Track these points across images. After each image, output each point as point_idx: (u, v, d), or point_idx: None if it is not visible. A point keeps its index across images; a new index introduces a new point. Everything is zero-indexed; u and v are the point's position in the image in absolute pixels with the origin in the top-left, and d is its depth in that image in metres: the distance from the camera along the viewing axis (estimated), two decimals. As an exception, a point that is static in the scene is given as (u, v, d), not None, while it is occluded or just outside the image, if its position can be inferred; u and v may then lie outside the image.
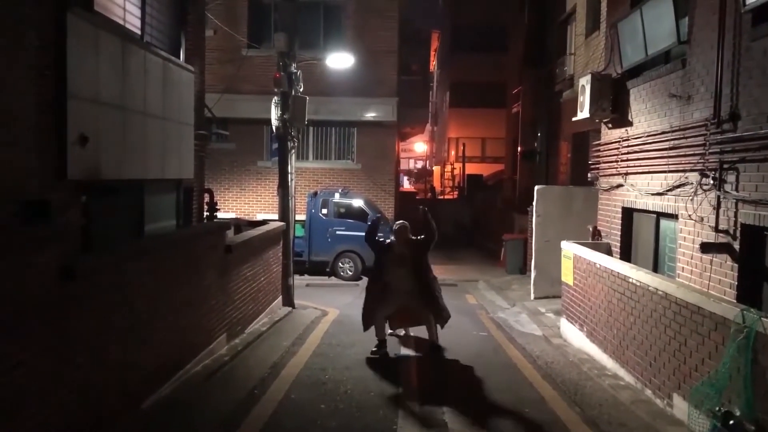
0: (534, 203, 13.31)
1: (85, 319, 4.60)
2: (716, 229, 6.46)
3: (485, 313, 11.78)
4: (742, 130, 6.10)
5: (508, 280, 15.49)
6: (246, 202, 18.94)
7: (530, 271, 13.28)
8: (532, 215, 13.66)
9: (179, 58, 8.54)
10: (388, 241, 8.54)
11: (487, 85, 31.77)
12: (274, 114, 11.82)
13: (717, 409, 4.78)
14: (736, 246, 6.15)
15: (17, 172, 4.79)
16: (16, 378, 3.80)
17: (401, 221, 8.63)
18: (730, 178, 6.26)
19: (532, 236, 13.68)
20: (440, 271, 16.82)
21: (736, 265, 6.14)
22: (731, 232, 6.24)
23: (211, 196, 11.18)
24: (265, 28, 18.18)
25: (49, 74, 5.17)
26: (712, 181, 6.54)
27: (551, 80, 18.16)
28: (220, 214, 12.25)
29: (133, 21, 7.13)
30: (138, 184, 7.20)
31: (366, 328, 8.34)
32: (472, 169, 33.01)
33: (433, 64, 42.96)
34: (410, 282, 8.15)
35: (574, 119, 10.67)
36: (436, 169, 41.20)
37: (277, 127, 11.93)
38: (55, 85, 5.24)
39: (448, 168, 36.51)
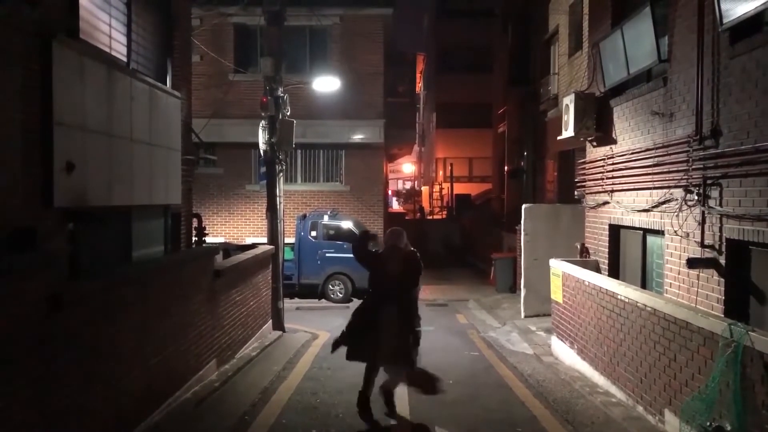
0: (522, 222, 13.37)
1: (72, 347, 4.55)
2: (702, 245, 6.52)
3: (476, 333, 11.76)
4: (723, 146, 6.19)
5: (498, 298, 15.49)
6: (235, 226, 18.89)
7: (520, 289, 13.29)
8: (520, 234, 13.71)
9: (166, 84, 8.57)
10: (377, 250, 7.19)
11: (473, 105, 32.07)
12: (262, 138, 11.86)
13: (708, 424, 4.79)
14: (722, 261, 6.20)
15: (3, 200, 4.77)
16: (3, 409, 3.75)
17: (396, 227, 7.18)
18: (714, 193, 6.33)
19: (520, 255, 13.72)
20: (430, 291, 16.88)
21: (722, 279, 6.19)
22: (717, 247, 6.30)
23: (200, 221, 11.14)
24: (251, 53, 18.31)
25: (35, 102, 5.18)
26: (696, 197, 6.61)
27: (536, 99, 18.34)
28: (209, 239, 12.20)
29: (119, 48, 7.15)
30: (125, 210, 7.18)
31: (334, 349, 6.79)
32: (460, 188, 33.17)
33: (420, 85, 43.25)
34: (394, 311, 6.51)
35: (559, 138, 10.77)
36: (425, 189, 41.33)
37: (264, 151, 11.97)
38: (41, 112, 5.24)
39: (437, 188, 36.65)
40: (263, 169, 13.40)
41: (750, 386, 4.53)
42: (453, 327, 12.44)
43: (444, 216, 33.79)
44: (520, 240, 13.84)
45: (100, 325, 5.02)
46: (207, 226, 12.19)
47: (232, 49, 18.34)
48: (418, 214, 34.15)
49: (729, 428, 4.59)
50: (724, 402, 4.75)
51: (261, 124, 11.84)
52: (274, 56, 11.82)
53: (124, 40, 7.31)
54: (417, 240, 26.17)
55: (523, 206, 13.59)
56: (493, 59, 27.77)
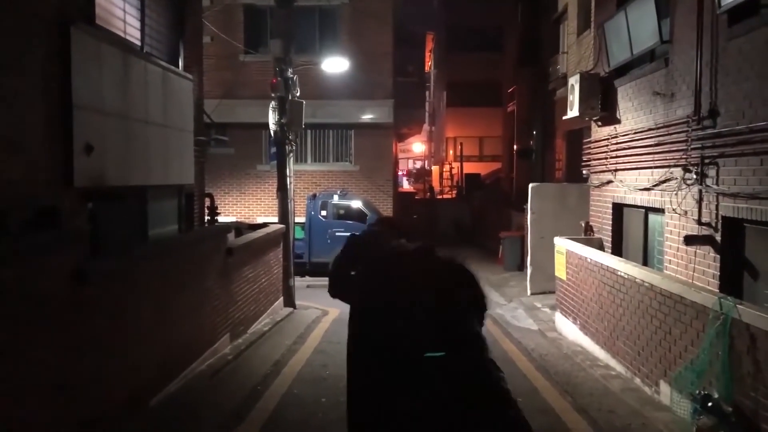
0: (529, 200, 13.53)
1: (96, 320, 4.83)
2: (699, 222, 6.69)
3: (483, 310, 11.98)
4: (721, 126, 6.34)
5: (505, 276, 15.71)
6: (246, 206, 19.17)
7: (527, 267, 13.50)
8: (527, 212, 13.87)
9: (178, 67, 8.77)
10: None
11: (483, 84, 32.00)
12: (272, 118, 12.04)
13: (697, 392, 5.01)
14: (718, 238, 6.38)
15: (27, 181, 5.03)
16: (32, 377, 4.03)
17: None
18: (711, 172, 6.49)
19: (528, 233, 13.90)
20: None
21: (718, 255, 6.37)
22: (713, 224, 6.47)
23: (212, 201, 11.39)
24: (261, 34, 18.43)
25: (55, 86, 5.41)
26: (694, 176, 6.77)
27: (545, 79, 18.38)
28: (220, 218, 12.47)
29: (133, 32, 7.36)
30: (141, 190, 7.44)
31: None
32: (470, 168, 33.20)
33: (429, 64, 43.13)
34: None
35: (565, 117, 10.90)
36: (435, 168, 41.40)
37: (275, 132, 12.16)
38: (61, 96, 5.48)
39: (447, 167, 36.72)
40: (273, 150, 13.64)
41: (737, 356, 4.74)
42: (460, 304, 12.68)
43: (454, 196, 33.89)
44: (527, 219, 14.01)
45: (122, 300, 5.31)
46: (219, 206, 12.44)
47: (242, 30, 18.47)
48: (428, 194, 34.27)
49: (716, 396, 4.82)
50: (713, 372, 4.98)
51: (271, 105, 12.02)
52: (283, 37, 11.95)
53: (137, 24, 7.51)
54: (427, 220, 26.41)
55: (530, 185, 13.73)
56: (503, 38, 27.71)
